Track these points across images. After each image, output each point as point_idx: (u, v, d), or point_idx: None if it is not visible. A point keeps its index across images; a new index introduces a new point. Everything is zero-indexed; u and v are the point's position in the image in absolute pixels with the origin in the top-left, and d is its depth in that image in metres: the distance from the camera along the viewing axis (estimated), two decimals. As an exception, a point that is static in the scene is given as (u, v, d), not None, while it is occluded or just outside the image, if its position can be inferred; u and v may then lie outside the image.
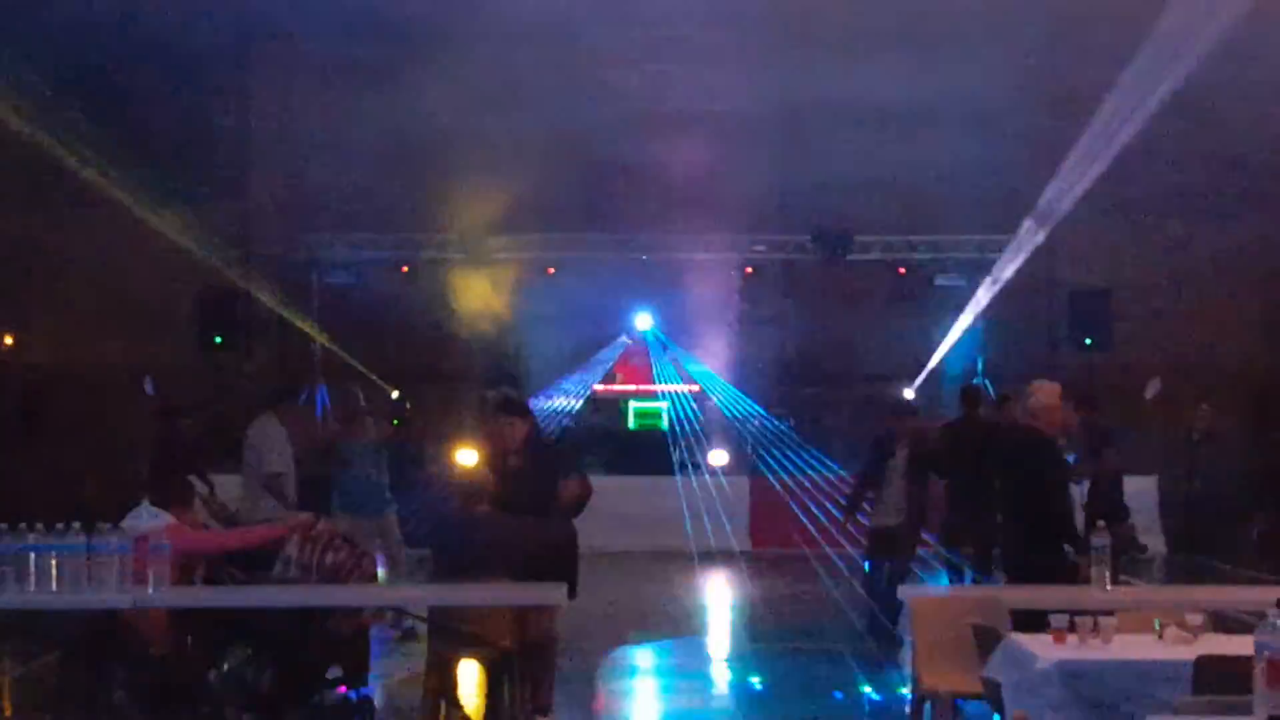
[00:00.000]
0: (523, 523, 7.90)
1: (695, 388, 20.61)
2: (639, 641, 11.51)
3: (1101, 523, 7.11)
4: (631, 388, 20.71)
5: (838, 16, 14.91)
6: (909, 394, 19.82)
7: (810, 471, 16.92)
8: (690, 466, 19.23)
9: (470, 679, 7.91)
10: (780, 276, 20.90)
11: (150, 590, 6.54)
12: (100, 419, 17.93)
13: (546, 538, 8.05)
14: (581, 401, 20.02)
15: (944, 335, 19.54)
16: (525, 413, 8.76)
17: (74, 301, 18.75)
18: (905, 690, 8.76)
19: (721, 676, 10.50)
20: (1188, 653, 5.44)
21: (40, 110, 14.11)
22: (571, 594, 8.13)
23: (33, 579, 6.44)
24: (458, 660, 7.60)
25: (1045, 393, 7.92)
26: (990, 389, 18.80)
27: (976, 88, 15.97)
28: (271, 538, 7.41)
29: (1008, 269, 18.51)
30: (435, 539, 8.26)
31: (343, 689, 7.34)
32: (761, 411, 19.64)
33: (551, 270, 20.15)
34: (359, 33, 15.72)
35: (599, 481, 8.90)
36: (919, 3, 15.00)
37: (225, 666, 7.01)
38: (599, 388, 20.39)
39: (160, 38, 15.43)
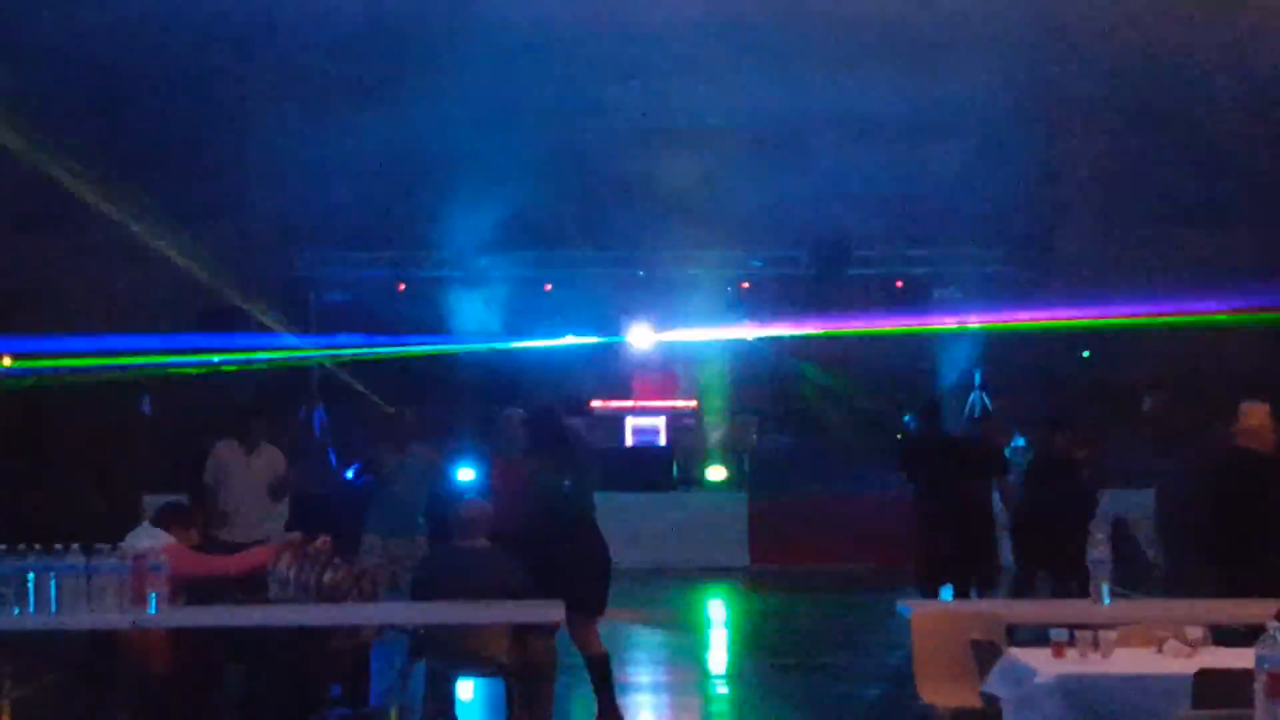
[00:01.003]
0: (514, 559, 7.79)
1: (693, 403, 20.57)
2: (637, 659, 11.48)
3: (1100, 536, 7.11)
4: (630, 403, 20.65)
5: (834, 30, 14.91)
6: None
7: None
8: (688, 482, 19.19)
9: (468, 697, 7.89)
10: (777, 290, 20.88)
11: (150, 610, 6.54)
12: (98, 439, 17.89)
13: (558, 559, 8.03)
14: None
15: (942, 348, 19.52)
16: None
17: (72, 321, 18.73)
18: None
19: (720, 693, 10.48)
20: (1188, 666, 5.43)
21: (39, 130, 14.12)
22: (600, 610, 8.18)
23: (32, 600, 6.44)
24: (455, 678, 7.59)
25: (1256, 414, 8.10)
26: (987, 401, 18.80)
27: (972, 99, 15.98)
28: (268, 559, 7.39)
29: (1004, 280, 18.51)
30: (420, 569, 8.15)
31: (343, 708, 7.34)
32: None
33: (548, 286, 20.14)
34: (355, 50, 15.73)
35: (598, 497, 8.83)
36: (915, 15, 15.01)
37: (226, 686, 7.01)
38: (597, 404, 20.33)
39: (157, 57, 15.45)
